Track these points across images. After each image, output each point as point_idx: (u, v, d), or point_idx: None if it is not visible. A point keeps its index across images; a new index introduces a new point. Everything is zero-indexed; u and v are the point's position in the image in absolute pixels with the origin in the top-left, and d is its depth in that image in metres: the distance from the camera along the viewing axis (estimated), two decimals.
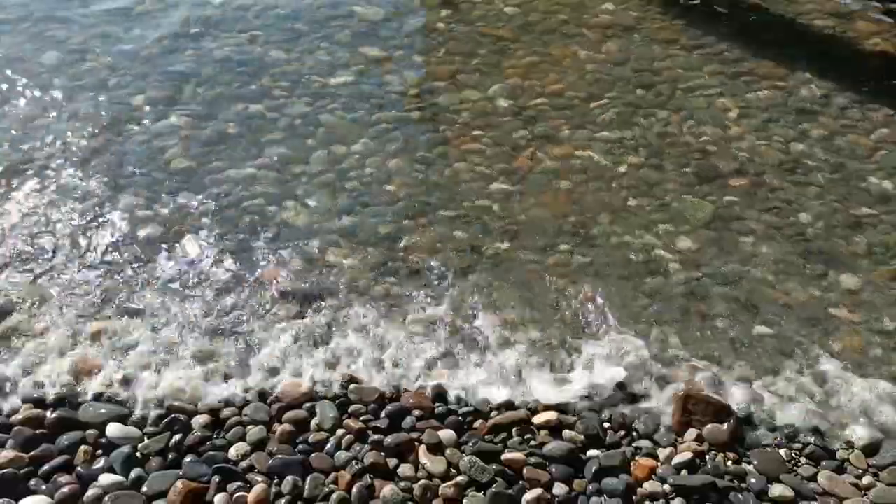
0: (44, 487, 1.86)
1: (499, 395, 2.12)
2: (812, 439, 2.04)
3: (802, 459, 1.99)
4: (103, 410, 2.03)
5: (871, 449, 2.02)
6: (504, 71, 3.71)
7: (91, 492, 1.84)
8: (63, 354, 2.19)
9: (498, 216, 2.88)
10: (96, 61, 3.73)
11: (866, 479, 1.94)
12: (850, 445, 2.03)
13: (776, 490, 1.89)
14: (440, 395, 2.11)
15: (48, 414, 2.01)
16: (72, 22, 4.02)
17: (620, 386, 2.16)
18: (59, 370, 2.13)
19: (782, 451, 2.00)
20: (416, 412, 2.05)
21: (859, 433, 2.06)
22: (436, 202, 2.93)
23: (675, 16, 4.12)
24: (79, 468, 1.90)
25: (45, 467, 1.89)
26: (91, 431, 1.97)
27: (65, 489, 1.84)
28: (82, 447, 1.94)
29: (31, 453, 1.91)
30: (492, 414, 2.06)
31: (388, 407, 2.06)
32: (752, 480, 1.92)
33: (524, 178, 3.09)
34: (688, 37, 3.96)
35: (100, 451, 1.94)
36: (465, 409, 2.06)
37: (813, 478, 1.94)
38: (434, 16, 4.16)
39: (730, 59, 3.81)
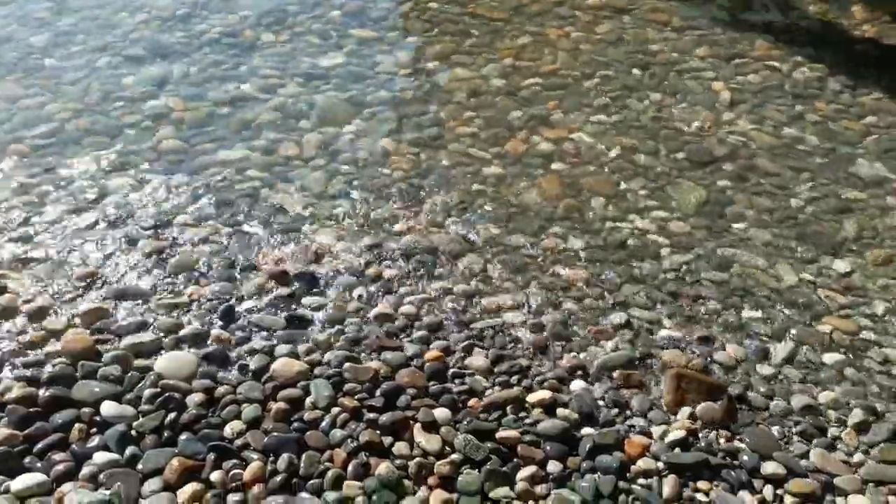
0: (39, 465, 1.85)
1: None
2: (804, 418, 2.06)
3: (795, 437, 2.01)
4: (97, 389, 2.02)
5: (862, 427, 2.04)
6: (498, 52, 3.70)
7: (86, 469, 1.83)
8: (56, 333, 2.17)
9: (491, 199, 2.88)
10: (86, 43, 3.68)
11: (857, 457, 1.97)
12: (841, 423, 2.06)
13: (768, 467, 1.91)
14: (435, 373, 2.11)
15: (42, 392, 1.99)
16: (61, 3, 3.96)
17: (615, 366, 2.18)
18: (53, 349, 2.12)
19: (775, 430, 2.03)
20: (411, 391, 2.05)
21: (851, 412, 2.08)
22: (429, 185, 2.93)
23: None
24: (73, 446, 1.89)
25: (40, 445, 1.88)
26: (85, 409, 1.96)
27: (59, 467, 1.83)
28: (76, 425, 1.92)
29: (26, 431, 1.90)
30: (486, 392, 2.07)
31: (383, 385, 2.06)
32: (745, 458, 1.94)
33: (517, 161, 3.09)
34: (681, 19, 3.97)
35: (94, 430, 1.93)
36: (459, 388, 2.07)
37: (805, 455, 1.96)
38: None
39: (723, 41, 3.82)
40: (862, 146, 3.26)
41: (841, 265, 2.67)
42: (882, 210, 2.95)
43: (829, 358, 2.27)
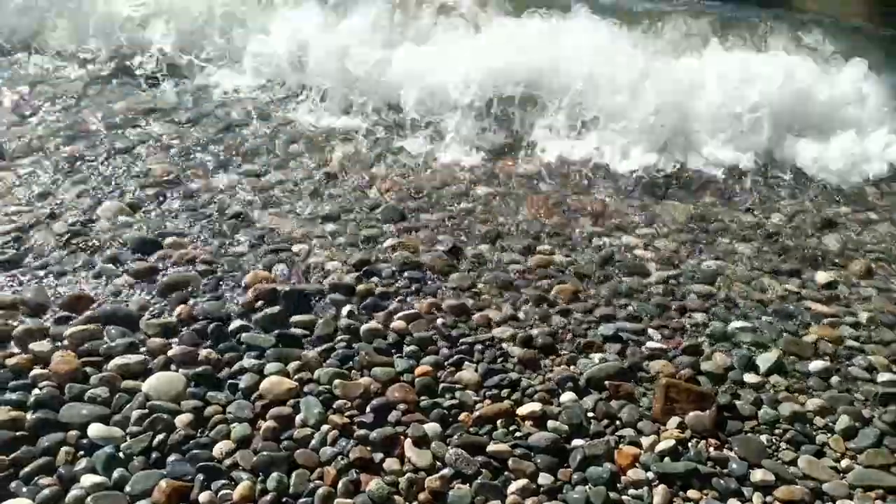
0: (24, 490, 1.82)
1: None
2: (792, 425, 2.07)
3: (783, 445, 2.02)
4: (84, 411, 2.00)
5: (849, 433, 2.06)
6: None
7: (73, 493, 1.81)
8: (43, 358, 2.16)
9: (480, 219, 2.91)
10: (75, 69, 3.72)
11: (845, 463, 1.98)
12: (828, 430, 2.07)
13: (757, 475, 1.92)
14: (425, 388, 2.12)
15: (28, 416, 1.98)
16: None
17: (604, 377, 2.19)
18: (40, 372, 2.10)
19: (763, 437, 2.04)
20: (402, 406, 2.05)
21: (838, 419, 2.10)
22: (418, 205, 2.96)
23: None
24: (60, 469, 1.87)
25: (26, 469, 1.86)
26: (72, 432, 1.95)
27: (46, 491, 1.81)
28: (63, 448, 1.91)
29: (12, 456, 1.88)
30: (476, 406, 2.08)
31: (374, 401, 2.06)
32: (734, 466, 1.94)
33: (506, 181, 3.13)
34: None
35: (81, 452, 1.92)
36: (450, 403, 2.07)
37: (793, 462, 1.97)
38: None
39: None
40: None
41: (824, 277, 2.71)
42: (862, 224, 3.01)
43: (815, 366, 2.29)
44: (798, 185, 3.19)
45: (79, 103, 3.48)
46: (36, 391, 2.05)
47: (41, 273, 2.48)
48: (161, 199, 2.91)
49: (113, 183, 2.98)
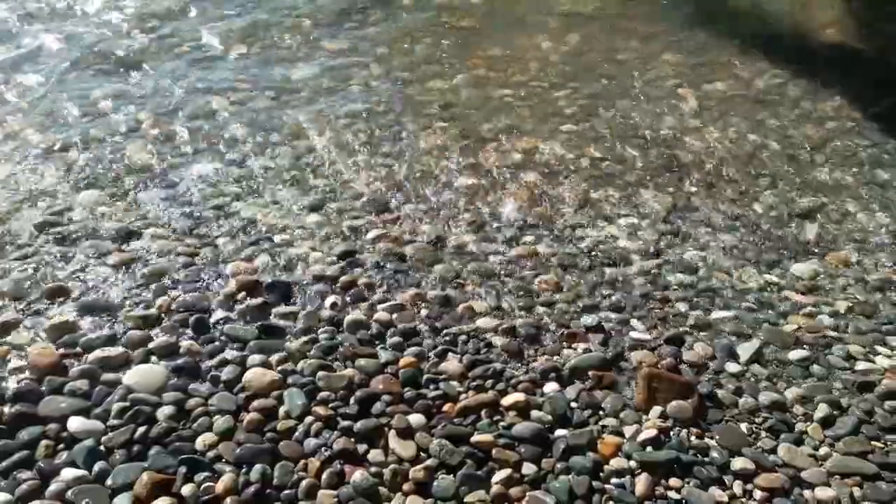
0: (3, 484, 1.80)
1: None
2: (772, 414, 2.10)
3: (763, 433, 2.05)
4: (64, 404, 1.98)
5: (827, 421, 2.09)
6: (468, 62, 3.74)
7: (53, 487, 1.79)
8: (21, 349, 2.13)
9: (463, 209, 2.90)
10: (54, 56, 3.64)
11: (823, 450, 2.01)
12: (807, 418, 2.10)
13: (738, 463, 1.94)
14: (409, 379, 2.12)
15: (6, 409, 1.95)
16: (28, 17, 3.92)
17: (587, 367, 2.20)
18: (17, 364, 2.07)
19: (743, 426, 2.06)
20: (386, 397, 2.05)
21: (817, 407, 2.12)
22: (401, 196, 2.94)
23: (635, 6, 4.21)
24: (40, 463, 1.85)
25: (5, 463, 1.83)
26: (52, 426, 1.92)
27: (24, 486, 1.79)
28: (43, 442, 1.89)
29: None
30: (460, 397, 2.08)
31: (358, 393, 2.05)
32: (715, 455, 1.97)
33: (489, 171, 3.12)
34: (647, 27, 4.04)
35: (62, 446, 1.89)
36: (434, 393, 2.07)
37: (773, 450, 2.00)
38: (397, 7, 4.17)
39: (688, 49, 3.90)
40: (822, 153, 3.36)
41: (803, 267, 2.74)
42: (842, 214, 3.04)
43: (795, 355, 2.32)
44: (779, 173, 3.20)
45: (57, 91, 3.40)
46: (14, 384, 2.02)
47: (19, 264, 2.44)
48: (141, 188, 2.86)
49: (93, 172, 2.92)
